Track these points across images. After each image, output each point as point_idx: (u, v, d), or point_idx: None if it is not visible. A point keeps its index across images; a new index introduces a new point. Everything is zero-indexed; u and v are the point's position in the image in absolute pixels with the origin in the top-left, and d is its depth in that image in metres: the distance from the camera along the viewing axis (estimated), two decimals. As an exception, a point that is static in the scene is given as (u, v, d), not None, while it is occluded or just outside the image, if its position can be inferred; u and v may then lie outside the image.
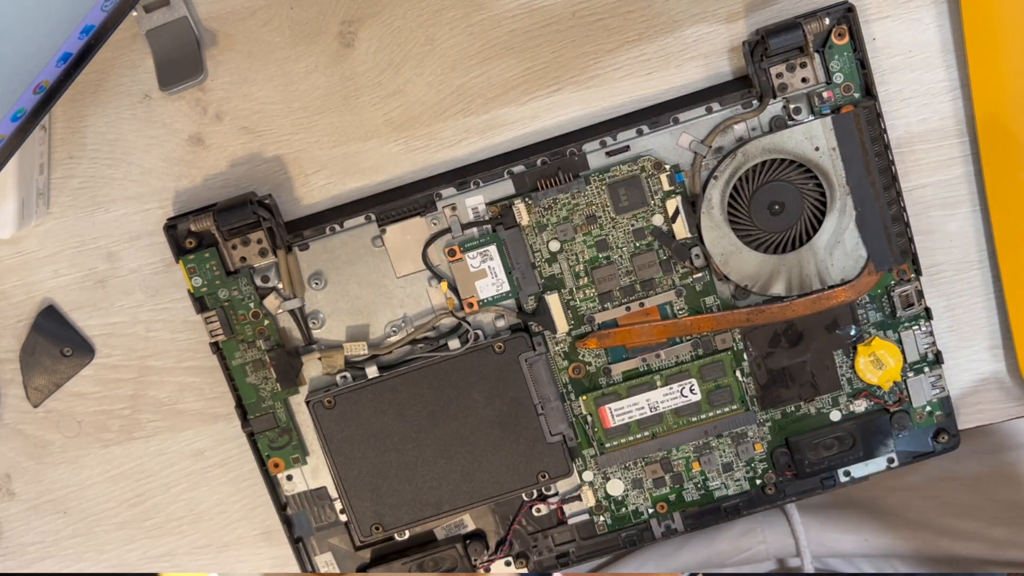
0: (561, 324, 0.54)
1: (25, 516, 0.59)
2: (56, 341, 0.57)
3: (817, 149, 0.51)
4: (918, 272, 0.53)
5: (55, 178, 0.55)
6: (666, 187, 0.53)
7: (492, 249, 0.53)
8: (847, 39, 0.51)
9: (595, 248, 0.53)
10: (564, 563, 0.56)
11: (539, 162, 0.53)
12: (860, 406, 0.55)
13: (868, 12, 0.52)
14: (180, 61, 0.53)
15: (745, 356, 0.54)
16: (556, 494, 0.56)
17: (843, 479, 0.55)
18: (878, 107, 0.51)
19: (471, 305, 0.54)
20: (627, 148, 0.53)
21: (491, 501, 0.54)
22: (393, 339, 0.54)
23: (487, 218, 0.53)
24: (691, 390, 0.54)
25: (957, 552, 0.60)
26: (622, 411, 0.54)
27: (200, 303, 0.54)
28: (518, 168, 0.53)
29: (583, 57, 0.53)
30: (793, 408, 0.55)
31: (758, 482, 0.56)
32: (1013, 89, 0.52)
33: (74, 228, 0.56)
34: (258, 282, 0.54)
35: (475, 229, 0.53)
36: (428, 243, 0.54)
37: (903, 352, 0.54)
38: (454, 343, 0.54)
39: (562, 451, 0.54)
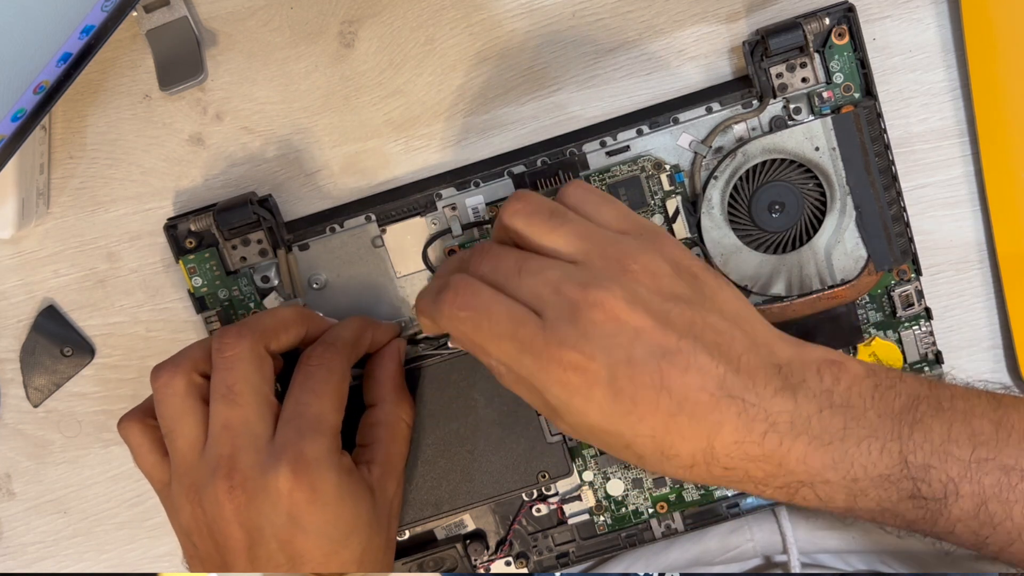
0: (561, 324, 0.54)
1: (25, 516, 0.59)
2: (56, 341, 0.57)
3: (817, 149, 0.51)
4: (918, 272, 0.53)
5: (55, 178, 0.55)
6: (666, 187, 0.53)
7: (492, 249, 0.53)
8: (847, 39, 0.51)
9: (595, 248, 0.53)
10: (564, 563, 0.56)
11: (539, 162, 0.53)
12: (860, 406, 0.55)
13: (868, 12, 0.52)
14: (180, 61, 0.53)
15: (745, 356, 0.54)
16: (556, 494, 0.56)
17: (843, 479, 0.55)
18: (878, 107, 0.51)
19: (471, 305, 0.53)
20: (627, 148, 0.53)
21: (491, 501, 0.54)
22: (393, 339, 0.54)
23: (487, 218, 0.53)
24: (691, 390, 0.54)
25: (951, 549, 0.60)
26: (622, 411, 0.54)
27: (200, 303, 0.54)
28: (518, 168, 0.53)
29: (583, 57, 0.53)
30: (793, 408, 0.55)
31: (758, 482, 0.56)
32: (1013, 89, 0.52)
33: (74, 228, 0.56)
34: (258, 282, 0.54)
35: (475, 229, 0.53)
36: (428, 243, 0.53)
37: (903, 352, 0.54)
38: (454, 343, 0.54)
39: (562, 451, 0.54)
